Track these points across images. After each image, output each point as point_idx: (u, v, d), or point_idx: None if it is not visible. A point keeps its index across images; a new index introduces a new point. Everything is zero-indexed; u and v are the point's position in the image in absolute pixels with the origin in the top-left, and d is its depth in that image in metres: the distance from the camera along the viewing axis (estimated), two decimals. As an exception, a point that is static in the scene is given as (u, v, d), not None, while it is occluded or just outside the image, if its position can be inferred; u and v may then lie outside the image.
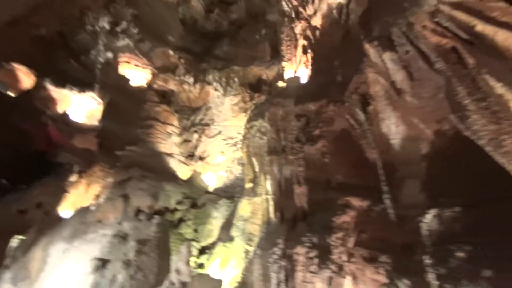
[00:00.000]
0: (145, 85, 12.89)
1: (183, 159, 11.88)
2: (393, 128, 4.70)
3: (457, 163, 3.54)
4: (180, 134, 12.54)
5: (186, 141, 12.53)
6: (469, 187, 3.41)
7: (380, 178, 4.68)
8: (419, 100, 4.08)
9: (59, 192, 9.85)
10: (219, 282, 7.46)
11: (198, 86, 12.73)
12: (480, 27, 3.21)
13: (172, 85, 12.97)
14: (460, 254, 3.34)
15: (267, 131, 8.00)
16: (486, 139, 2.79)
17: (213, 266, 8.22)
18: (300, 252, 5.73)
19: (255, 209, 7.95)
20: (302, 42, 9.75)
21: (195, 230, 9.33)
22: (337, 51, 7.18)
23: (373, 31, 4.64)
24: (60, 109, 12.27)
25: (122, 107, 12.40)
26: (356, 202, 5.05)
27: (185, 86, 12.87)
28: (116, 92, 12.60)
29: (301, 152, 6.71)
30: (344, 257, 4.87)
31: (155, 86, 13.03)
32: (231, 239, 8.21)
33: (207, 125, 12.66)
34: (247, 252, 7.57)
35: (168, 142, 12.11)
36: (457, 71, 3.20)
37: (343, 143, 5.76)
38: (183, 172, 11.29)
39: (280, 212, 7.07)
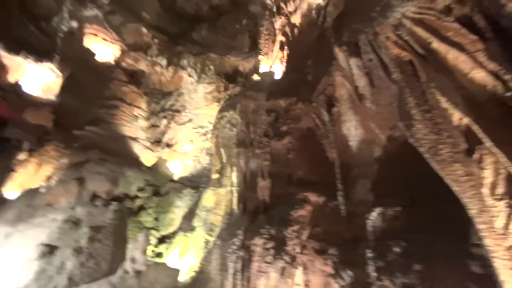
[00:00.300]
0: (112, 62, 12.03)
1: (148, 144, 11.40)
2: (352, 130, 4.98)
3: (403, 167, 3.88)
4: (147, 118, 11.99)
5: (154, 126, 12.02)
6: (410, 190, 3.77)
7: (336, 177, 4.96)
8: (377, 107, 4.37)
9: (5, 171, 8.90)
10: (176, 271, 7.40)
11: (171, 69, 12.20)
12: (436, 44, 3.51)
13: (143, 65, 12.26)
14: (397, 249, 3.70)
15: (237, 123, 7.99)
16: (426, 147, 3.10)
17: (172, 255, 8.11)
18: (258, 243, 5.89)
19: (219, 200, 7.96)
20: (280, 38, 9.81)
21: (156, 219, 9.08)
22: (311, 51, 7.36)
23: (343, 36, 4.83)
24: (11, 78, 11.00)
25: (84, 83, 11.45)
26: (313, 197, 5.31)
27: (157, 68, 12.25)
28: (79, 66, 11.59)
29: (268, 147, 6.83)
30: (298, 249, 5.12)
31: (123, 64, 12.22)
32: (192, 229, 8.15)
33: (178, 111, 12.24)
34: (207, 242, 7.58)
35: (134, 125, 11.51)
36: (410, 82, 3.48)
37: (307, 141, 5.98)
38: (147, 158, 10.85)
39: (243, 204, 7.16)
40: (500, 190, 2.88)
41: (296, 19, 9.26)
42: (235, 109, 8.04)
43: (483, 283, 2.89)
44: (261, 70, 9.58)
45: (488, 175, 2.97)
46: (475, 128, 2.83)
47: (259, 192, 6.63)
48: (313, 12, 8.58)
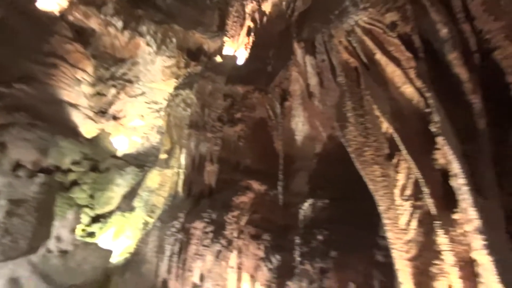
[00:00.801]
0: (56, 13, 10.37)
1: (91, 114, 10.32)
2: (299, 125, 5.22)
3: (337, 164, 4.22)
4: (93, 85, 10.79)
5: (100, 94, 10.88)
6: (340, 185, 4.14)
7: (279, 168, 5.18)
8: (323, 106, 4.63)
9: None
10: (108, 252, 7.01)
11: (127, 33, 11.04)
12: (379, 56, 3.81)
13: (93, 23, 10.84)
14: (320, 237, 4.06)
15: (192, 104, 7.71)
16: (353, 147, 3.42)
17: (105, 235, 7.64)
18: (198, 227, 5.90)
19: (164, 181, 7.70)
20: (249, 23, 9.61)
21: (91, 196, 8.39)
22: (275, 43, 7.37)
23: (303, 32, 4.93)
24: None
25: (17, 32, 9.68)
26: (256, 185, 5.48)
27: (111, 30, 10.97)
28: (13, 11, 9.73)
29: (220, 132, 6.77)
30: (235, 234, 5.28)
31: (70, 18, 10.64)
32: (131, 209, 7.76)
33: (130, 82, 11.26)
34: (146, 223, 7.32)
35: (75, 90, 10.26)
36: (351, 87, 3.75)
37: (258, 131, 6.08)
38: (88, 129, 9.82)
39: (188, 187, 7.05)
40: (408, 192, 3.34)
41: (267, 7, 9.14)
42: (191, 88, 7.73)
43: (385, 271, 3.35)
44: (224, 52, 9.31)
45: (401, 178, 3.41)
46: (395, 136, 3.20)
47: (205, 176, 6.58)
48: (284, 3, 8.57)
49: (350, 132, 3.40)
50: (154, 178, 7.83)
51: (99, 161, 8.87)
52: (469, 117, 2.99)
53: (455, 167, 2.74)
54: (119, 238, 7.51)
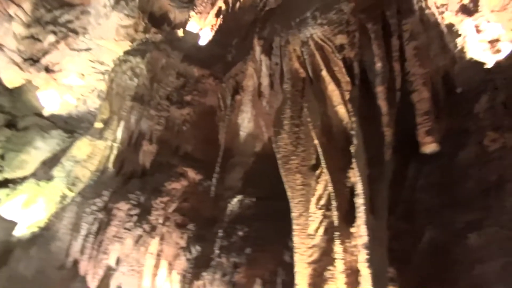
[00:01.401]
0: None
1: (18, 59, 8.75)
2: (245, 122, 5.27)
3: (271, 165, 4.39)
4: (28, 26, 9.11)
5: (34, 38, 9.26)
6: (268, 185, 4.35)
7: (218, 160, 5.19)
8: (270, 108, 4.75)
9: None
10: (12, 223, 6.18)
11: (81, -26, 9.53)
12: (324, 73, 4.03)
13: (36, -49, 9.05)
14: (240, 233, 4.25)
15: (141, 74, 7.11)
16: (281, 154, 3.62)
17: (12, 204, 6.68)
18: (122, 208, 5.60)
19: (94, 153, 7.00)
20: (221, 4, 9.17)
21: (1, 157, 7.22)
22: (241, 32, 7.22)
23: (265, 30, 4.93)
24: None
25: None
26: (191, 173, 5.40)
27: (60, -36, 9.32)
28: None
29: (166, 111, 6.43)
30: (160, 220, 5.15)
31: None
32: (49, 178, 6.88)
33: (75, 32, 9.79)
34: (64, 197, 6.59)
35: (3, 27, 8.56)
36: (294, 97, 3.93)
37: (205, 118, 5.95)
38: (10, 76, 8.33)
39: (120, 164, 6.58)
40: (323, 202, 3.69)
41: (242, -8, 8.82)
42: (143, 57, 7.11)
43: (289, 270, 3.65)
44: (187, 28, 8.76)
45: (319, 188, 3.74)
46: (319, 150, 3.48)
47: (141, 155, 6.22)
48: (258, -6, 8.38)
49: (282, 139, 3.57)
50: (83, 147, 7.06)
51: (18, 117, 7.63)
52: (380, 146, 3.40)
53: (359, 187, 3.11)
54: (28, 208, 6.65)
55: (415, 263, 3.19)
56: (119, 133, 6.84)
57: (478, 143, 3.27)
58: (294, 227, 3.38)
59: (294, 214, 3.41)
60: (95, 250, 5.36)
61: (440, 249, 3.21)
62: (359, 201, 3.05)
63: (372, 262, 2.81)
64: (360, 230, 2.95)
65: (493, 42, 4.58)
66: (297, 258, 3.27)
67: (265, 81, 4.80)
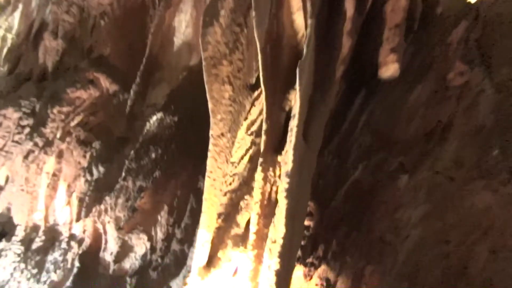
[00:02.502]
0: None
1: None
2: (182, 26, 4.11)
3: (202, 83, 3.51)
4: None
5: None
6: (194, 105, 3.55)
7: (140, 69, 4.09)
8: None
9: None
10: None
11: None
12: None
13: None
14: (152, 155, 3.50)
15: None
16: (208, 53, 2.63)
17: None
18: (11, 117, 4.32)
19: (-23, 41, 5.20)
20: None
21: None
22: None
23: None
24: None
25: None
26: (105, 82, 4.23)
27: None
28: None
29: None
30: (58, 134, 4.09)
31: None
32: None
33: None
34: None
35: None
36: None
37: (132, 15, 4.53)
38: None
39: (14, 62, 5.00)
40: (254, 128, 3.06)
41: None
42: None
43: (200, 198, 3.07)
44: None
45: (254, 113, 3.10)
46: (260, 61, 2.68)
47: (41, 53, 4.71)
48: None
49: (214, 34, 2.64)
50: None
51: None
52: (331, 64, 2.74)
53: (296, 107, 2.49)
54: None
55: (338, 200, 2.89)
56: (16, 21, 5.18)
57: (440, 77, 2.80)
58: (211, 147, 2.72)
59: (213, 133, 2.72)
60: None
61: (366, 190, 2.94)
62: (293, 122, 2.45)
63: (291, 193, 2.35)
64: (287, 156, 2.41)
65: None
66: (207, 183, 2.69)
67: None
